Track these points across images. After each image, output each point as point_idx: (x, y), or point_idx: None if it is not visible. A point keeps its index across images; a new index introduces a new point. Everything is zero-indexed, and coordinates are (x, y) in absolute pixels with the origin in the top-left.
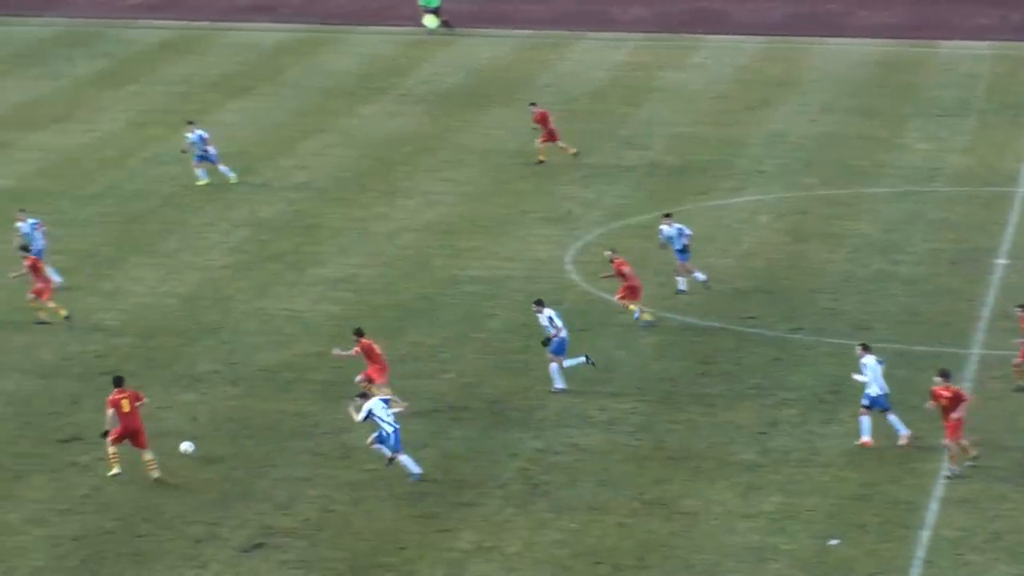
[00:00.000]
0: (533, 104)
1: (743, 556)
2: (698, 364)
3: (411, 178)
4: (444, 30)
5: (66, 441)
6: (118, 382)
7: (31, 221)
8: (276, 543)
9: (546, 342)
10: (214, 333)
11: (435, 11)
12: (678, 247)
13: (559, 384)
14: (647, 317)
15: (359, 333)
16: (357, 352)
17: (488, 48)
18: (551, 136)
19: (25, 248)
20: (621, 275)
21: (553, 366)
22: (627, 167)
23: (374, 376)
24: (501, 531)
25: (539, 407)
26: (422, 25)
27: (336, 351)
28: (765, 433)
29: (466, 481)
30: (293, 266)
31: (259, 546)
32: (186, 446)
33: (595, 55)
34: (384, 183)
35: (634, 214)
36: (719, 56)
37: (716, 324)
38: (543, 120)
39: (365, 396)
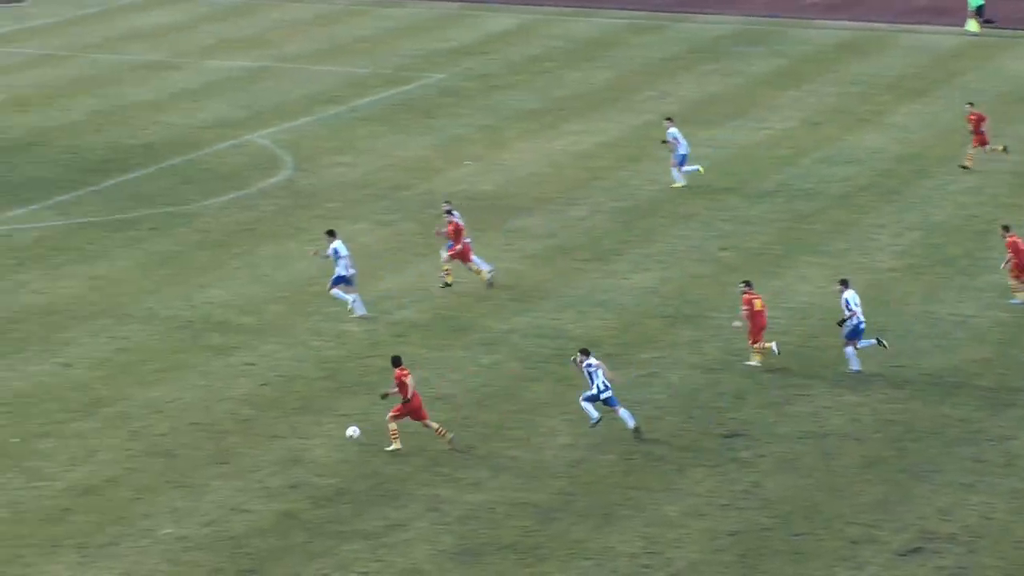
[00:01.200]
0: (970, 104)
1: None
2: None
3: None
4: (987, 29)
5: (729, 436)
6: (396, 362)
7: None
8: (934, 548)
9: (841, 323)
10: (881, 335)
11: (977, 12)
12: None
13: (854, 366)
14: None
15: (747, 283)
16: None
17: None
18: (981, 140)
19: (450, 213)
20: (1015, 252)
21: (848, 349)
22: None
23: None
24: None
25: None
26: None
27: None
28: None
29: None
30: (963, 271)
31: (917, 551)
32: (352, 431)
33: None
34: None
35: None
36: None
37: None
38: (977, 123)
39: (586, 353)
